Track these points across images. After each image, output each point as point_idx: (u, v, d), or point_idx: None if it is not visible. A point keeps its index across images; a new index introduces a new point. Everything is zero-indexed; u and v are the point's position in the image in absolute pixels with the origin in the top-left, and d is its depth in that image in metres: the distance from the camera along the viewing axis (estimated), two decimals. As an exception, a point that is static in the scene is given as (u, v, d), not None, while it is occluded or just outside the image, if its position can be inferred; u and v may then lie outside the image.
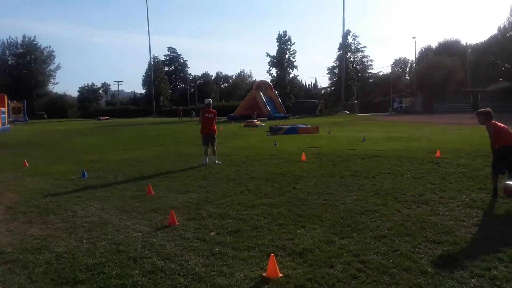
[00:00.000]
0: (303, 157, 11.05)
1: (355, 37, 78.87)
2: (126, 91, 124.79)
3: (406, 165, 9.52)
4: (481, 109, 6.59)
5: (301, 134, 19.96)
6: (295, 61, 66.30)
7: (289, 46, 65.31)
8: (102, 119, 58.09)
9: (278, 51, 64.93)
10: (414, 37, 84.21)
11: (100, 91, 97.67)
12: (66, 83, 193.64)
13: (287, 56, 65.37)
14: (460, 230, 4.74)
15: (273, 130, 21.64)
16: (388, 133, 19.13)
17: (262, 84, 49.89)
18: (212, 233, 5.00)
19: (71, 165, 11.39)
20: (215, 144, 11.10)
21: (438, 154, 10.70)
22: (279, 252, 4.24)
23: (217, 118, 11.30)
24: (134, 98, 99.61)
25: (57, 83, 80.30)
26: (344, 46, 62.44)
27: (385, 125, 28.54)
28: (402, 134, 18.54)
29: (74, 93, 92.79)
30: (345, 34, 63.27)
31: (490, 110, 6.52)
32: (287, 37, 64.95)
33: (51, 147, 17.36)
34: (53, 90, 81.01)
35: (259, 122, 31.86)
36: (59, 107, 75.73)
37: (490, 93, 52.15)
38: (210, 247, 4.46)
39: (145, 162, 11.72)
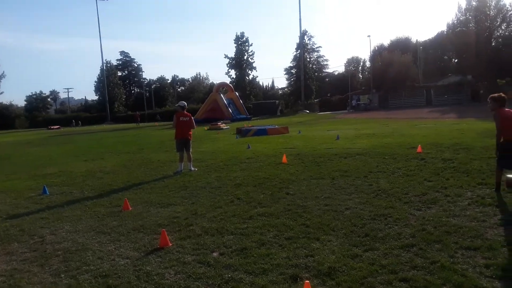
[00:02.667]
0: (284, 159, 10.53)
1: (310, 37, 79.98)
2: (76, 98, 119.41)
3: (392, 162, 9.24)
4: (495, 94, 6.21)
5: (271, 135, 19.49)
6: (254, 62, 66.04)
7: (247, 47, 64.87)
8: (53, 128, 54.82)
9: (236, 53, 64.27)
10: (368, 36, 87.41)
11: (49, 99, 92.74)
12: (12, 92, 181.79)
13: (245, 57, 64.88)
14: (487, 232, 4.37)
15: (241, 132, 21.00)
16: (358, 130, 19.08)
17: (222, 86, 49.08)
18: (215, 254, 4.32)
19: (28, 181, 10.19)
20: (190, 149, 10.33)
21: (419, 149, 10.53)
22: (303, 273, 3.64)
23: (193, 121, 10.48)
24: (86, 105, 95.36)
25: (1, 92, 74.68)
26: (302, 46, 62.93)
27: (350, 122, 28.74)
28: (372, 130, 18.54)
29: (21, 102, 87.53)
30: (302, 34, 63.79)
31: (504, 95, 6.13)
32: (244, 38, 64.45)
33: (1, 161, 15.74)
34: (-3, 100, 75.87)
35: (224, 124, 31.11)
36: (5, 117, 70.91)
37: (442, 88, 54.43)
38: (219, 273, 3.79)
39: (112, 173, 10.72)
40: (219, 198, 6.91)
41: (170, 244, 4.67)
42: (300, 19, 64.09)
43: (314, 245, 4.35)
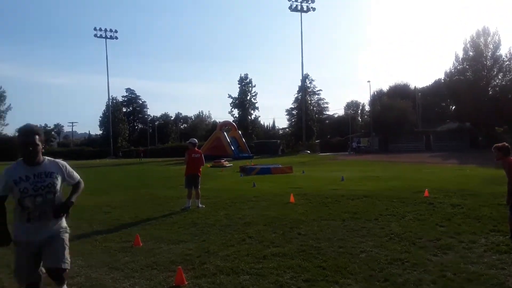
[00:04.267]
0: (292, 198, 10.53)
1: (311, 80, 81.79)
2: (79, 132, 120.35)
3: (401, 206, 9.24)
4: (498, 144, 6.31)
5: (275, 174, 19.53)
6: (256, 102, 67.39)
7: (250, 88, 66.37)
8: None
9: (240, 93, 65.71)
10: (368, 81, 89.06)
11: (53, 133, 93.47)
12: (17, 124, 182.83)
13: (248, 97, 66.23)
14: (508, 281, 4.34)
15: (245, 171, 21.06)
16: (362, 173, 19.14)
17: (225, 125, 49.70)
18: (233, 294, 4.26)
19: (34, 213, 10.11)
20: (199, 186, 10.39)
21: (426, 193, 10.56)
22: (326, 316, 3.59)
23: (203, 158, 10.68)
24: (89, 139, 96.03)
25: (7, 124, 74.91)
26: (304, 89, 64.33)
27: (352, 164, 28.84)
28: (376, 173, 18.60)
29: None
30: (304, 78, 65.35)
31: (507, 144, 6.24)
32: (248, 80, 66.18)
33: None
34: (2, 131, 76.15)
35: (227, 162, 31.21)
36: (7, 149, 71.01)
37: (441, 134, 55.15)
38: (240, 314, 3.73)
39: (119, 207, 10.67)
40: (230, 237, 6.87)
41: (186, 283, 4.62)
42: (302, 63, 65.70)
43: (334, 288, 4.30)
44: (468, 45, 50.73)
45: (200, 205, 10.13)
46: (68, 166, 3.63)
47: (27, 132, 3.32)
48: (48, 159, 3.54)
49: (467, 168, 20.23)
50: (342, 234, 6.74)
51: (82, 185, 3.77)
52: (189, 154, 10.36)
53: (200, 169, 10.56)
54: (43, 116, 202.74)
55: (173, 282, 4.63)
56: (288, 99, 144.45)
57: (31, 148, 3.31)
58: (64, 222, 3.66)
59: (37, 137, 3.35)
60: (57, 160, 3.62)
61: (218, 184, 16.06)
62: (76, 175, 3.71)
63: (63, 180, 3.58)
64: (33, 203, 3.34)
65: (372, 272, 4.76)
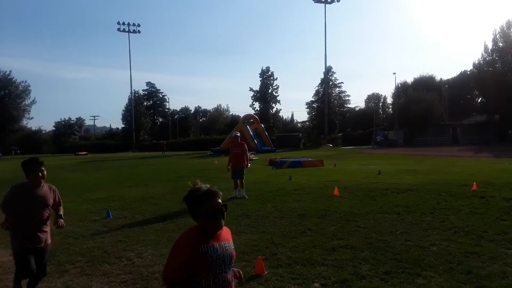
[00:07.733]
0: (336, 191, 10.51)
1: (332, 73, 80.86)
2: (98, 126, 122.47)
3: (452, 200, 9.09)
4: None
5: (306, 168, 19.47)
6: (278, 95, 67.12)
7: (271, 81, 66.12)
8: (80, 154, 56.05)
9: (261, 86, 65.53)
10: (394, 73, 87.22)
11: (76, 127, 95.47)
12: (41, 118, 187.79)
13: (269, 90, 66.03)
14: None
15: (276, 164, 21.06)
16: (395, 166, 18.89)
17: (249, 118, 49.67)
18: (316, 285, 4.30)
19: (84, 204, 10.40)
20: (244, 177, 10.58)
21: (474, 187, 10.36)
22: (424, 308, 3.59)
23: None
24: (110, 133, 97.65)
25: (31, 118, 76.74)
26: (327, 82, 63.80)
27: (381, 157, 28.48)
28: (410, 167, 18.33)
29: (49, 128, 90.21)
30: (327, 70, 64.76)
31: None
32: (270, 73, 65.85)
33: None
34: (27, 125, 78.10)
35: (253, 155, 31.25)
36: (33, 142, 72.93)
37: (468, 127, 53.87)
38: (333, 303, 3.76)
39: (164, 199, 10.89)
40: (289, 229, 6.91)
41: (266, 272, 4.67)
42: (325, 56, 65.26)
43: (419, 280, 4.29)
44: (497, 36, 49.28)
45: (244, 195, 10.37)
46: None
47: None
48: None
49: (505, 162, 19.73)
50: (403, 228, 6.69)
51: None
52: (233, 147, 10.60)
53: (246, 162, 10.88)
54: (65, 109, 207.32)
55: (253, 271, 4.70)
56: (307, 92, 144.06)
57: None
58: None
59: None
60: None
61: (253, 177, 16.09)
62: None
63: None
64: None
65: (451, 265, 4.73)
